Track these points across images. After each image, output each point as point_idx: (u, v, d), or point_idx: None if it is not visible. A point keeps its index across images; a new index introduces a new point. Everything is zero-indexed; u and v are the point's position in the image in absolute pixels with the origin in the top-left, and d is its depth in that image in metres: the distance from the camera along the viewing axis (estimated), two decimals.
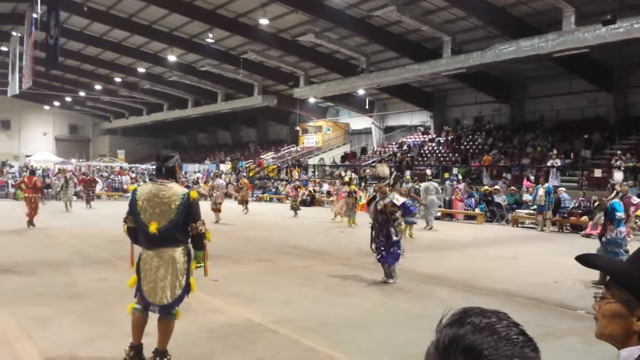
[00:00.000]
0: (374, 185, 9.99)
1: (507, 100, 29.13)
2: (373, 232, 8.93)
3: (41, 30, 26.03)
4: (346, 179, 21.89)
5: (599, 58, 22.95)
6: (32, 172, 17.55)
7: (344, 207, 18.72)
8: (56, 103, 52.34)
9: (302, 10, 24.13)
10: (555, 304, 7.82)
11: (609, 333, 1.31)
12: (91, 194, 25.21)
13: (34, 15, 25.87)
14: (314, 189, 29.04)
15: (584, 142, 23.83)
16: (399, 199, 8.99)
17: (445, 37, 22.70)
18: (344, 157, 37.33)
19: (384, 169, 10.01)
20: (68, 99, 49.75)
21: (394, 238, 8.75)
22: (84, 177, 27.29)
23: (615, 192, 9.32)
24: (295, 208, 21.63)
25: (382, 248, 8.77)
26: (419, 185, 18.55)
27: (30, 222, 15.55)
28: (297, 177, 31.29)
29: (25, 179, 16.58)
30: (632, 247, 8.08)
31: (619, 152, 21.16)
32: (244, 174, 33.25)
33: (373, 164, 32.23)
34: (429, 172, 20.58)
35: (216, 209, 18.05)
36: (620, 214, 9.12)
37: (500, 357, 0.91)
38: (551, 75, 25.92)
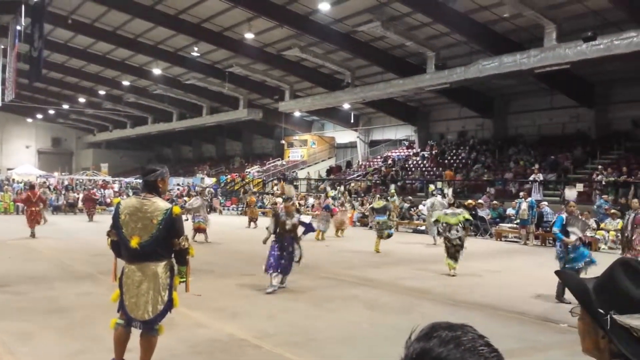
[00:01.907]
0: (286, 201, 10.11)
1: (490, 115, 29.44)
2: (277, 247, 9.10)
3: (25, 42, 25.82)
4: (330, 193, 21.84)
5: (580, 74, 23.33)
6: (32, 187, 18.71)
7: (343, 221, 19.03)
8: (39, 115, 51.82)
9: (287, 25, 24.24)
10: (539, 317, 7.87)
11: (586, 348, 1.36)
12: (93, 209, 25.61)
13: (18, 28, 25.68)
14: (299, 203, 28.99)
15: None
16: (305, 218, 9.87)
17: (429, 52, 22.95)
18: (329, 171, 37.40)
19: (290, 190, 10.49)
20: (51, 111, 49.32)
21: (296, 252, 9.26)
22: (88, 192, 27.91)
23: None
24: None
25: (284, 261, 9.09)
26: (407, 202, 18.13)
27: (33, 233, 16.65)
28: (280, 192, 31.14)
29: (29, 194, 17.39)
30: None
31: (599, 166, 21.43)
32: (253, 190, 32.95)
33: (358, 178, 32.33)
34: (432, 187, 19.82)
35: (201, 228, 16.41)
36: (554, 229, 9.23)
37: None
38: (533, 90, 26.28)
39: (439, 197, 18.85)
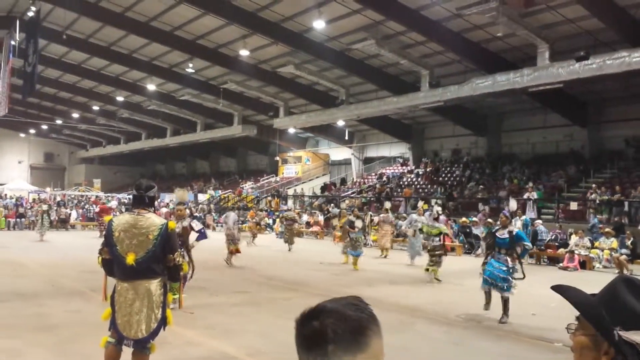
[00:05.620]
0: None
1: (484, 133, 29.57)
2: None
3: (19, 57, 25.84)
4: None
5: (573, 93, 23.51)
6: None
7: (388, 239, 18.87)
8: (32, 131, 51.60)
9: (282, 42, 24.37)
10: (533, 336, 7.81)
11: None
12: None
13: (12, 42, 25.71)
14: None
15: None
16: (197, 224, 9.52)
17: (423, 70, 23.06)
18: (324, 188, 37.36)
19: (183, 194, 10.44)
20: (44, 126, 49.17)
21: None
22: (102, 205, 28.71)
23: (512, 220, 9.20)
24: (289, 242, 20.56)
25: None
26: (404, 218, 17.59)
27: None
28: (292, 208, 30.81)
29: None
30: None
31: (593, 185, 21.47)
32: (264, 207, 32.63)
33: (352, 195, 32.29)
34: (421, 203, 19.45)
35: (236, 251, 15.26)
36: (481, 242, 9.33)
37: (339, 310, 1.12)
38: (526, 109, 26.43)
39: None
